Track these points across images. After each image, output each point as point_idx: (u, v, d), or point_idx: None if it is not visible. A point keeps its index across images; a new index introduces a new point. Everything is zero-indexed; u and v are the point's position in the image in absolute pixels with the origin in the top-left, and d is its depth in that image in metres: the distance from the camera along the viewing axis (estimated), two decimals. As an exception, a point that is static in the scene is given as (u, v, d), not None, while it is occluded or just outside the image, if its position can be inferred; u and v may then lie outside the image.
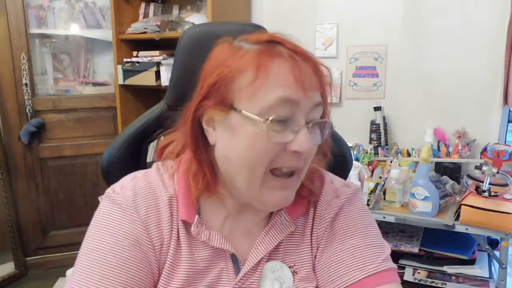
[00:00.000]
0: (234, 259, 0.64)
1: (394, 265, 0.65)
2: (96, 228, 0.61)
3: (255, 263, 0.63)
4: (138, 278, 0.59)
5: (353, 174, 1.78)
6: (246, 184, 0.59)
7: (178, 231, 0.63)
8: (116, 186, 0.65)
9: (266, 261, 0.65)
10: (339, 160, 0.92)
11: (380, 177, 1.86)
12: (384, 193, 1.85)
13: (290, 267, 0.65)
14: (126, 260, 0.58)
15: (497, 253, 1.69)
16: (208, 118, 0.60)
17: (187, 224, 0.63)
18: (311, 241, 0.67)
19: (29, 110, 2.36)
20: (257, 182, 0.58)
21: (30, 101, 2.36)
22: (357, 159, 2.05)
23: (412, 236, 1.93)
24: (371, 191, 1.82)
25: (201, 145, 0.63)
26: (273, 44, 0.58)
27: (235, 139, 0.58)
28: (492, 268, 1.80)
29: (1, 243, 2.41)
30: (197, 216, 0.63)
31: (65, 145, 2.48)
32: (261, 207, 0.62)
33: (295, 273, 0.65)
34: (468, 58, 2.03)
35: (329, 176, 0.73)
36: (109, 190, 0.65)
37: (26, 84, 2.33)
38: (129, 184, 0.64)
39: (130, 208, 0.61)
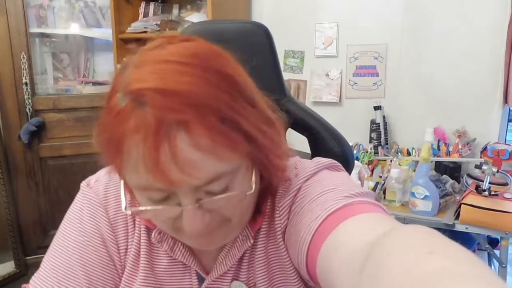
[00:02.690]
0: (200, 278, 0.58)
1: (367, 199, 0.48)
2: (67, 224, 0.59)
3: (214, 279, 0.57)
4: (102, 282, 0.56)
5: (353, 174, 1.78)
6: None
7: (139, 237, 0.58)
8: (92, 178, 0.61)
9: (232, 281, 0.58)
10: (340, 160, 0.91)
11: (380, 176, 1.86)
12: (384, 192, 1.85)
13: (250, 286, 0.58)
14: (92, 262, 0.56)
15: (497, 252, 1.69)
16: None
17: (149, 230, 0.58)
18: (267, 253, 0.58)
19: (29, 109, 2.35)
20: (171, 232, 0.51)
21: (30, 101, 2.35)
22: (357, 159, 2.05)
23: (412, 235, 1.93)
24: (371, 190, 1.82)
25: None
26: (137, 105, 0.41)
27: None
28: (492, 267, 1.80)
29: (1, 243, 2.40)
30: None
31: (65, 145, 2.48)
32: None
33: None
34: (468, 57, 2.03)
35: (296, 162, 0.60)
36: (83, 183, 0.61)
37: (26, 84, 2.32)
38: (104, 178, 0.60)
39: (100, 206, 0.58)
